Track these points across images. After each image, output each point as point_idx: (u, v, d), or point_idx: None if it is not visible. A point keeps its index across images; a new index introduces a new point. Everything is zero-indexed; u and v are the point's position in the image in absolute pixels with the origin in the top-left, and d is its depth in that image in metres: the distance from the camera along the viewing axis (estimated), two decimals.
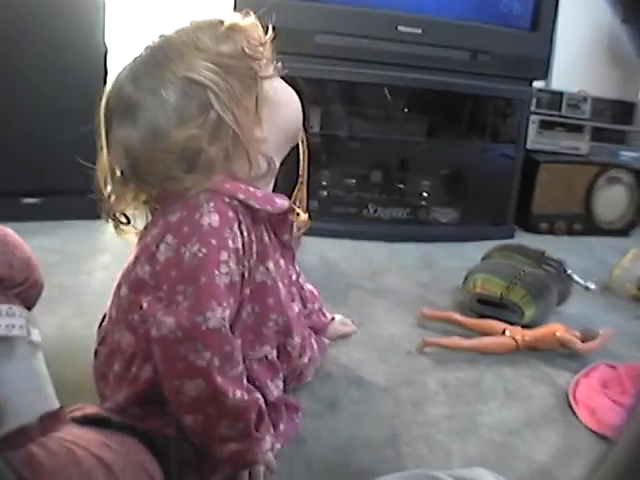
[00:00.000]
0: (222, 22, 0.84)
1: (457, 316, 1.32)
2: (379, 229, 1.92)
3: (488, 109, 2.09)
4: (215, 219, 0.73)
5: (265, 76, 0.85)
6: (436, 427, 0.94)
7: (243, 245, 0.77)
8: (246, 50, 0.82)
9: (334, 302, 1.31)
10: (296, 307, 0.94)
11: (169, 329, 0.69)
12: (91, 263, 1.56)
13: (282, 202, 0.86)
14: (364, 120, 1.93)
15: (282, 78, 0.92)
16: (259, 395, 0.78)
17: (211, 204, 0.74)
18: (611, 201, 2.29)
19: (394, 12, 1.84)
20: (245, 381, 0.76)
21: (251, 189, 0.80)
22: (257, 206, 0.79)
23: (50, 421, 0.64)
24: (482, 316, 1.34)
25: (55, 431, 0.63)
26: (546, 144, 2.26)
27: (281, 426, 0.85)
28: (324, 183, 1.88)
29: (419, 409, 0.99)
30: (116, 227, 0.86)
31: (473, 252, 1.67)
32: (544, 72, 2.06)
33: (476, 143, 2.07)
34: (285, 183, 1.10)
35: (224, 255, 0.73)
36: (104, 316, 0.88)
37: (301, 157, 1.40)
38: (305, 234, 1.03)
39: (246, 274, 0.79)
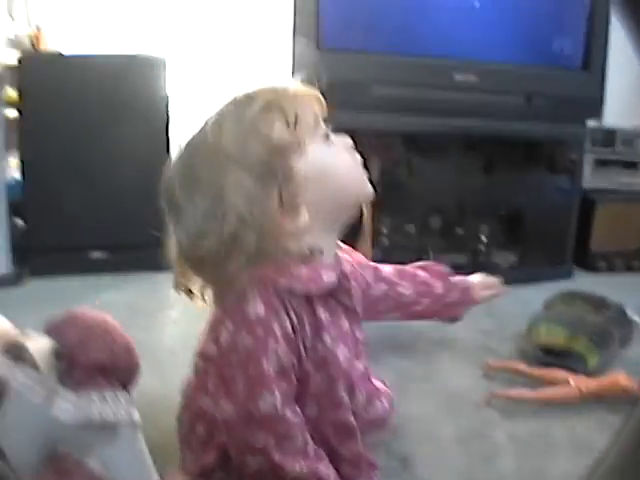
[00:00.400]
0: (257, 99, 0.81)
1: (522, 366, 1.33)
2: None
3: (544, 150, 2.11)
4: (261, 309, 0.75)
5: (303, 154, 0.81)
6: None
7: (293, 328, 0.78)
8: (276, 142, 0.79)
9: (400, 353, 1.36)
10: (361, 365, 0.95)
11: (229, 415, 0.76)
12: (161, 318, 1.60)
13: (329, 278, 0.84)
14: (422, 167, 1.96)
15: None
16: (324, 465, 0.79)
17: (256, 293, 0.76)
18: None
19: (449, 60, 1.86)
20: (312, 450, 0.79)
21: (294, 271, 0.80)
22: (299, 289, 0.79)
23: None
24: (546, 365, 1.33)
25: None
26: (602, 182, 2.26)
27: None
28: (385, 231, 1.90)
29: (490, 463, 1.00)
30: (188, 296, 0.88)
31: (534, 295, 1.68)
32: (598, 111, 2.07)
33: (533, 184, 2.08)
34: (348, 234, 1.10)
35: (272, 344, 0.75)
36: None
37: (364, 211, 1.43)
38: None
39: (303, 353, 0.80)
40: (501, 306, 1.76)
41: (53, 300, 1.45)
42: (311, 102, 0.85)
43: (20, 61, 1.88)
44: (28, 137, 1.89)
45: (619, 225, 2.20)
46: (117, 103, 1.89)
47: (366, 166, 0.91)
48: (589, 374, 1.28)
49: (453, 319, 1.36)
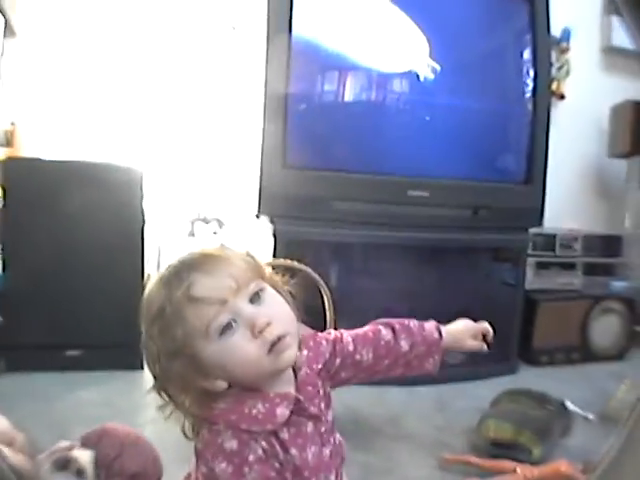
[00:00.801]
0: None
1: (474, 459, 1.47)
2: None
3: (490, 257, 2.28)
4: (234, 444, 0.85)
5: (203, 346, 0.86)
6: None
7: (265, 451, 0.88)
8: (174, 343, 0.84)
9: (362, 449, 1.47)
10: (327, 450, 1.06)
11: None
12: (139, 416, 1.68)
13: (282, 414, 0.90)
14: (377, 273, 2.10)
15: None
16: None
17: (229, 432, 0.86)
18: (605, 330, 2.46)
19: (404, 178, 2.04)
20: None
21: (252, 411, 0.87)
22: (259, 429, 0.87)
23: None
24: (495, 457, 1.47)
25: None
26: (543, 283, 2.44)
27: None
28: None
29: None
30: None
31: (482, 390, 1.82)
32: (538, 220, 2.26)
33: (480, 288, 2.23)
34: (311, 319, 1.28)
35: (246, 469, 0.85)
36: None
37: (328, 318, 1.57)
38: None
39: (278, 466, 0.89)
40: (451, 402, 1.92)
41: (30, 395, 1.54)
42: (208, 294, 0.85)
43: (4, 162, 2.01)
44: (11, 233, 1.99)
45: (559, 322, 2.37)
46: (94, 208, 2.00)
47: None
48: (534, 463, 1.42)
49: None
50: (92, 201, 1.99)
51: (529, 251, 2.37)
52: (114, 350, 1.97)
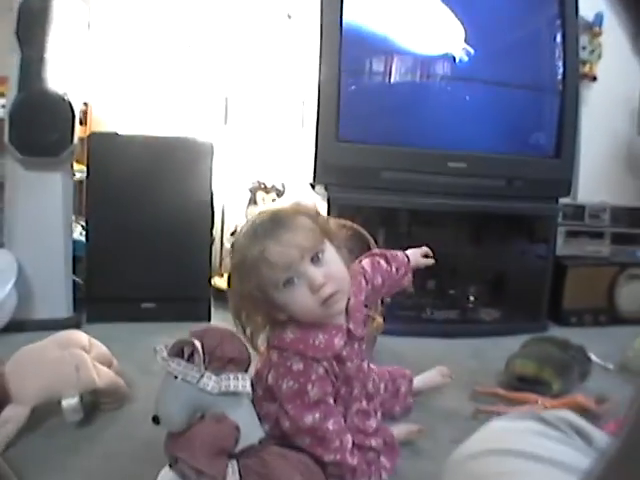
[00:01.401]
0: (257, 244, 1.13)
1: (501, 391, 1.70)
2: (435, 328, 2.28)
3: (523, 224, 2.46)
4: (301, 366, 1.14)
5: (273, 292, 1.14)
6: None
7: (325, 370, 1.16)
8: (249, 287, 1.13)
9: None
10: (365, 363, 1.34)
11: (288, 428, 1.13)
12: None
13: (339, 343, 1.18)
14: (420, 237, 2.29)
15: None
16: (352, 456, 1.17)
17: (297, 357, 1.14)
18: (631, 295, 2.62)
19: (444, 151, 2.24)
20: (347, 446, 1.17)
21: (315, 341, 1.16)
22: (319, 357, 1.15)
23: (265, 443, 1.07)
24: (520, 390, 1.69)
25: (267, 448, 1.05)
26: (572, 250, 2.60)
27: (384, 460, 1.25)
28: None
29: None
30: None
31: (513, 344, 1.96)
32: (568, 191, 2.43)
33: (513, 253, 2.43)
34: None
35: (309, 387, 1.14)
36: None
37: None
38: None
39: (334, 381, 1.19)
40: (485, 352, 2.13)
41: (111, 340, 1.68)
42: (276, 259, 1.11)
43: (89, 137, 2.23)
44: (93, 203, 2.23)
45: (588, 286, 2.56)
46: (169, 178, 2.22)
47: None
48: (554, 396, 1.64)
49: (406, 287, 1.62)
50: (167, 171, 2.22)
51: (560, 220, 2.54)
52: (184, 303, 2.22)
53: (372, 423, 1.28)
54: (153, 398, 1.08)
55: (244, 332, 1.19)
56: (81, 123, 2.33)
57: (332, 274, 1.13)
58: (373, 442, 1.25)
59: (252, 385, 1.09)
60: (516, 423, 0.82)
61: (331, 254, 1.16)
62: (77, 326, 2.02)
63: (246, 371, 1.10)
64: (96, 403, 1.46)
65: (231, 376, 1.04)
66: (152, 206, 2.22)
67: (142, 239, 2.22)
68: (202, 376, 1.02)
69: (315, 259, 1.12)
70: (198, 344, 1.01)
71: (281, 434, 1.15)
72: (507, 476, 0.70)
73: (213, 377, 1.02)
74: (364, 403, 1.30)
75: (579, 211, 2.65)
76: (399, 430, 1.40)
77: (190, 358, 1.04)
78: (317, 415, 1.13)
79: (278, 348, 1.16)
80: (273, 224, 1.12)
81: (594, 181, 2.95)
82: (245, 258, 1.12)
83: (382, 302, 1.91)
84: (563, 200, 2.52)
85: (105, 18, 2.55)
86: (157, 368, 1.10)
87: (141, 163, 2.21)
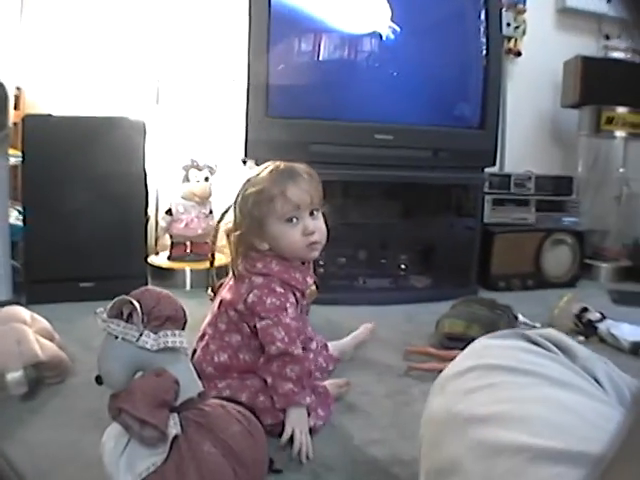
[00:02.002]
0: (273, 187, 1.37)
1: (432, 349, 1.80)
2: (368, 296, 2.36)
3: (451, 194, 2.55)
4: (281, 289, 1.35)
5: (270, 223, 1.38)
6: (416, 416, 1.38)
7: (296, 299, 1.39)
8: (257, 211, 1.37)
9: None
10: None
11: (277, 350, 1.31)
12: None
13: (309, 280, 1.46)
14: (351, 210, 2.38)
15: None
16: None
17: (279, 282, 1.36)
18: (557, 259, 2.76)
19: (371, 123, 2.31)
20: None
21: (295, 275, 1.40)
22: (297, 287, 1.40)
23: (204, 396, 1.11)
24: (450, 348, 1.76)
25: (206, 400, 1.11)
26: (499, 217, 2.73)
27: (319, 410, 1.35)
28: (321, 262, 2.28)
29: (409, 406, 1.47)
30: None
31: (444, 308, 2.04)
32: (492, 161, 2.53)
33: (442, 222, 2.51)
34: None
35: (288, 305, 1.35)
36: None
37: None
38: (313, 303, 1.60)
39: (299, 311, 1.40)
40: (417, 316, 2.22)
41: (53, 319, 1.69)
42: (294, 198, 1.37)
43: (23, 119, 2.21)
44: (30, 187, 2.22)
45: (515, 252, 2.67)
46: (103, 158, 2.21)
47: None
48: None
49: None
50: (101, 151, 2.21)
51: (487, 189, 2.65)
52: (122, 281, 2.21)
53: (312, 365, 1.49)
54: (95, 371, 1.12)
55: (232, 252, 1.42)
56: (15, 108, 2.31)
57: (320, 228, 1.41)
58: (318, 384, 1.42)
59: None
60: (500, 341, 0.84)
61: (320, 214, 1.44)
62: None
63: (182, 329, 1.15)
64: (40, 377, 1.48)
65: (169, 333, 1.08)
66: (87, 187, 2.22)
67: (78, 220, 2.21)
68: (141, 334, 1.06)
69: (313, 212, 1.41)
70: (137, 304, 1.06)
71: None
72: (497, 388, 0.72)
73: (152, 335, 1.06)
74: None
75: (505, 180, 2.77)
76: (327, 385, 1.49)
77: (129, 318, 1.09)
78: (291, 325, 1.33)
79: (264, 274, 1.38)
80: (294, 172, 1.41)
81: (520, 152, 3.08)
82: (264, 190, 1.36)
83: (315, 271, 1.97)
84: (490, 170, 2.62)
85: (36, 1, 2.54)
86: (98, 343, 1.12)
87: (75, 144, 2.21)
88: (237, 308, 1.37)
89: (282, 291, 1.36)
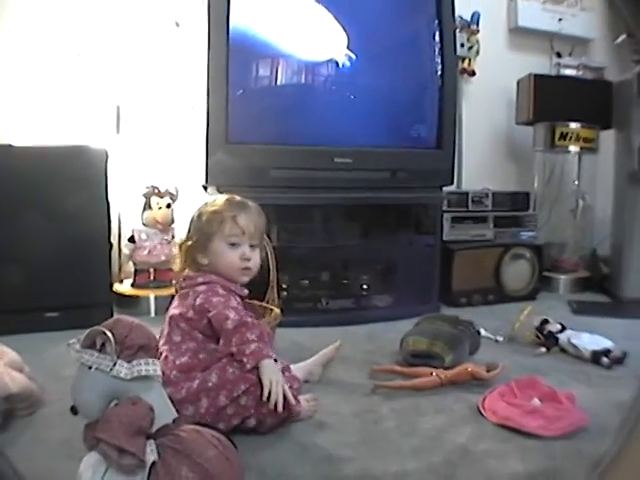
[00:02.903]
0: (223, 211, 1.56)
1: (397, 367, 1.83)
2: (331, 317, 2.38)
3: (410, 213, 2.60)
4: (223, 292, 1.50)
5: (216, 241, 1.54)
6: (386, 433, 1.44)
7: (237, 303, 1.51)
8: (207, 228, 1.54)
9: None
10: None
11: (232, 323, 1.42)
12: None
13: (245, 292, 1.60)
14: (311, 233, 2.43)
15: None
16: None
17: (220, 287, 1.50)
18: (516, 273, 2.83)
19: (330, 147, 2.36)
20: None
21: (232, 284, 1.55)
22: (238, 292, 1.56)
23: (178, 421, 1.14)
24: (415, 365, 1.82)
25: (181, 426, 1.13)
26: (458, 235, 2.79)
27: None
28: (284, 286, 2.31)
29: (377, 424, 1.49)
30: None
31: (407, 326, 2.07)
32: (450, 179, 2.60)
33: (402, 241, 2.55)
34: (260, 288, 1.80)
35: (234, 303, 1.48)
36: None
37: (271, 267, 1.92)
38: (278, 326, 1.70)
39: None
40: (381, 334, 2.25)
41: (18, 350, 1.64)
42: (241, 224, 1.55)
43: None
44: None
45: (475, 268, 2.73)
46: (63, 185, 2.23)
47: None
48: (446, 368, 1.77)
49: None
50: (62, 180, 2.22)
51: (445, 207, 2.71)
52: (87, 310, 2.21)
53: None
54: (66, 401, 1.13)
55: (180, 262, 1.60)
56: None
57: (255, 260, 1.59)
58: None
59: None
60: None
61: (258, 251, 1.61)
62: None
63: (156, 357, 1.17)
64: (11, 409, 1.47)
65: (142, 362, 1.10)
66: (49, 216, 2.21)
67: (42, 250, 2.20)
68: (115, 364, 1.08)
69: (253, 246, 1.58)
70: (109, 334, 1.08)
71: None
72: None
73: (125, 364, 1.08)
74: None
75: (463, 198, 2.84)
76: None
77: (102, 348, 1.11)
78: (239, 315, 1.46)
79: (206, 283, 1.51)
80: (247, 205, 1.60)
81: (476, 169, 3.16)
82: (218, 211, 1.55)
83: (279, 295, 2.00)
84: (448, 188, 2.68)
85: None
86: (68, 373, 1.14)
87: (37, 174, 2.21)
88: (187, 317, 1.48)
89: (224, 293, 1.50)
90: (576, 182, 3.22)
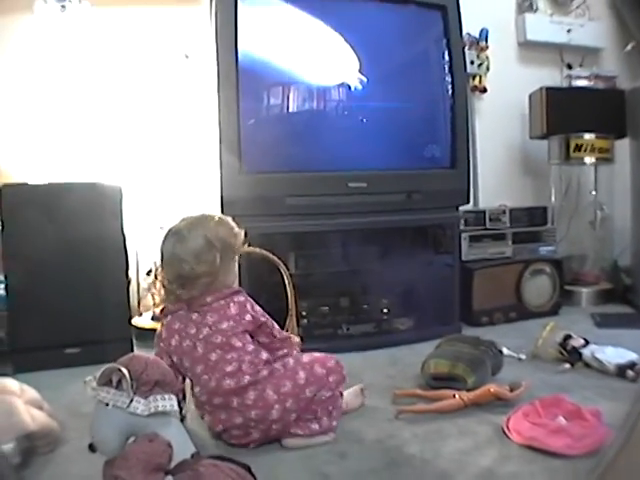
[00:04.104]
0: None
1: (420, 391, 1.82)
2: (353, 343, 2.35)
3: (427, 234, 2.58)
4: (242, 298, 1.59)
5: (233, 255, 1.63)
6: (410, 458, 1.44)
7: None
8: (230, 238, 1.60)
9: None
10: None
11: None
12: None
13: None
14: (329, 258, 2.41)
15: None
16: None
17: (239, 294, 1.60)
18: (537, 289, 2.81)
19: (345, 172, 2.36)
20: None
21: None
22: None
23: (197, 457, 1.14)
24: (437, 388, 1.81)
25: (200, 461, 1.12)
26: (477, 254, 2.77)
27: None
28: (304, 313, 2.30)
29: (401, 450, 1.48)
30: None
31: (429, 349, 2.07)
32: (466, 199, 2.58)
33: (420, 263, 2.52)
34: (279, 316, 1.79)
35: (256, 308, 1.61)
36: None
37: (289, 295, 1.92)
38: None
39: None
40: (402, 358, 2.23)
41: (40, 387, 1.68)
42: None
43: (0, 190, 2.22)
44: (9, 255, 2.23)
45: (495, 286, 2.71)
46: (80, 221, 2.25)
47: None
48: (469, 390, 1.75)
49: None
50: (79, 217, 2.25)
51: (462, 227, 2.70)
52: (107, 345, 2.22)
53: None
54: (86, 438, 1.13)
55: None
56: None
57: None
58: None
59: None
60: None
61: None
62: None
63: (172, 392, 1.17)
64: (32, 447, 1.48)
65: (158, 397, 1.11)
66: (68, 252, 2.25)
67: (61, 286, 2.24)
68: (131, 401, 1.09)
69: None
70: (125, 371, 1.08)
71: None
72: None
73: (142, 400, 1.09)
74: None
75: (480, 216, 2.82)
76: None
77: (118, 385, 1.11)
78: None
79: (237, 292, 1.60)
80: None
81: (493, 186, 3.14)
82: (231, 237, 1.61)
83: (298, 323, 2.00)
84: (464, 207, 2.66)
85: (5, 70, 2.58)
86: (87, 410, 1.15)
87: (53, 211, 2.23)
88: (244, 323, 1.56)
89: (243, 298, 1.61)
90: (593, 193, 3.19)
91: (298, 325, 1.98)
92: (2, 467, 1.15)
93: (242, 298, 1.59)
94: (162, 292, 1.62)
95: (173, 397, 1.15)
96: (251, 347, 1.54)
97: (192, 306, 1.55)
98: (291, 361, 1.57)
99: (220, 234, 1.57)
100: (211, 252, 1.54)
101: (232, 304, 1.56)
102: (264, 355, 1.55)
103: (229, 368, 1.48)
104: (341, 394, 1.63)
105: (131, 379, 1.10)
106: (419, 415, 1.67)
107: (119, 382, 1.11)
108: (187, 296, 1.55)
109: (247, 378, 1.48)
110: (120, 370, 1.10)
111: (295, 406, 1.49)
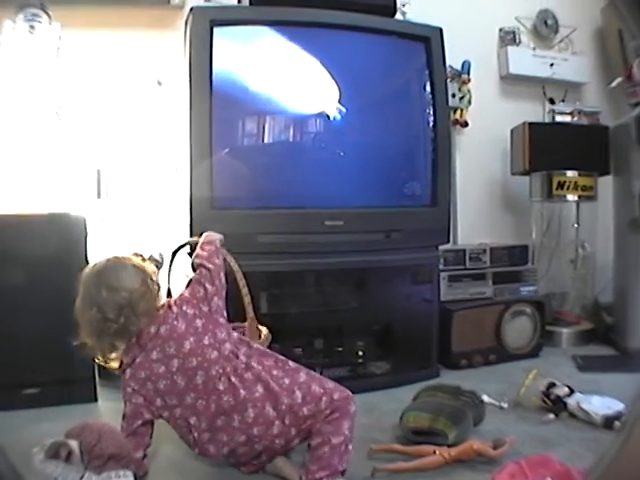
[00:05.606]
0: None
1: (398, 446, 1.70)
2: None
3: (405, 275, 2.46)
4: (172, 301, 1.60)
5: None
6: None
7: None
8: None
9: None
10: None
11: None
12: None
13: None
14: (303, 298, 2.31)
15: None
16: None
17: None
18: (518, 331, 2.73)
19: (321, 210, 2.26)
20: None
21: None
22: None
23: None
24: (417, 443, 1.70)
25: None
26: (456, 294, 2.69)
27: None
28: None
29: None
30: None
31: (406, 394, 2.00)
32: (446, 238, 2.49)
33: (398, 303, 2.42)
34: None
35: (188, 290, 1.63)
36: None
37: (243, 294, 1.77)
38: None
39: None
40: (379, 405, 2.13)
41: None
42: None
43: None
44: None
45: (474, 328, 2.62)
46: (41, 254, 2.12)
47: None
48: (450, 445, 1.66)
49: None
50: (40, 249, 2.12)
51: (441, 266, 2.62)
52: (69, 385, 2.13)
53: None
54: None
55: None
56: None
57: None
58: None
59: None
60: None
61: None
62: None
63: (128, 467, 1.07)
64: None
65: (112, 474, 1.01)
66: (28, 287, 2.14)
67: (19, 322, 2.13)
68: (82, 477, 0.99)
69: None
70: (74, 445, 0.99)
71: None
72: None
73: (94, 477, 1.00)
74: None
75: (460, 255, 2.74)
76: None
77: (68, 458, 1.01)
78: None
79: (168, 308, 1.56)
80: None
81: (473, 223, 3.07)
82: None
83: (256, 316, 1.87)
84: (444, 246, 2.58)
85: None
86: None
87: (14, 243, 2.13)
88: (211, 313, 1.57)
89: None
90: (575, 232, 3.13)
91: (257, 316, 1.83)
92: (2, 467, 1.03)
93: (172, 301, 1.58)
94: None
95: (129, 473, 1.05)
96: (227, 350, 1.51)
97: (143, 344, 1.47)
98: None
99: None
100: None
101: (175, 321, 1.51)
102: (243, 349, 1.56)
103: (221, 386, 1.43)
104: None
105: (82, 452, 1.00)
106: (397, 473, 1.57)
107: (69, 454, 1.01)
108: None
109: (242, 393, 1.43)
110: (66, 444, 0.99)
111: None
